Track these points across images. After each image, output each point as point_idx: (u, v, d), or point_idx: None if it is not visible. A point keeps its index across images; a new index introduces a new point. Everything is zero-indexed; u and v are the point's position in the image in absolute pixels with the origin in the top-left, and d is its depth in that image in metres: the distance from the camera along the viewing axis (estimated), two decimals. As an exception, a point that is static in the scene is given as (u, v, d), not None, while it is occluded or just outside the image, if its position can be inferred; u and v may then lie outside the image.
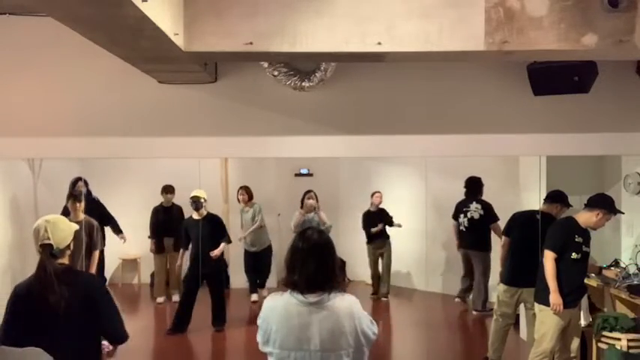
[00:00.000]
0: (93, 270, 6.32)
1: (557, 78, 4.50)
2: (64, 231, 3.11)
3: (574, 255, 4.86)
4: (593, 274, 5.73)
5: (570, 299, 4.91)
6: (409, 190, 9.44)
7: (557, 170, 6.22)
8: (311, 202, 7.89)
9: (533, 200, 5.99)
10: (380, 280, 8.96)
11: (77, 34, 3.35)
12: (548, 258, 4.89)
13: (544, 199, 5.80)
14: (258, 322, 2.74)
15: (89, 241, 6.27)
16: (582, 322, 5.10)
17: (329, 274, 2.69)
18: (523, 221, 5.86)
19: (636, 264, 5.66)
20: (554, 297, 4.84)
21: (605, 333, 5.05)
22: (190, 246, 7.48)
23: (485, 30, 3.55)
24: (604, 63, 4.49)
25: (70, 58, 4.61)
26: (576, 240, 4.88)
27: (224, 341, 7.24)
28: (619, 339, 4.93)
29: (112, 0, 2.71)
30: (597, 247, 5.79)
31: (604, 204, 4.92)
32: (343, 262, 9.68)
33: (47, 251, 3.01)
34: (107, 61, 4.05)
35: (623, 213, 5.32)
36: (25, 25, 4.50)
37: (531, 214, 5.83)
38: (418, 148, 4.96)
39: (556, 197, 5.73)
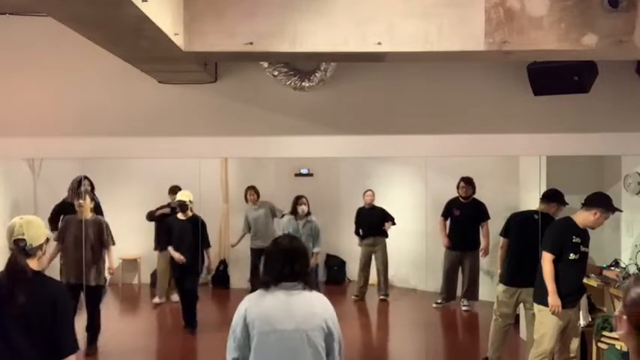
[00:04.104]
0: (113, 265, 6.44)
1: (557, 78, 4.50)
2: (39, 228, 3.13)
3: (572, 256, 4.84)
4: (593, 275, 5.73)
5: (569, 300, 4.89)
6: (409, 190, 9.42)
7: (557, 170, 6.21)
8: (303, 207, 7.78)
9: (533, 200, 5.98)
10: (367, 282, 8.91)
11: (77, 34, 3.35)
12: (546, 259, 4.87)
13: (541, 199, 5.80)
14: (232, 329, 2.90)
15: (99, 239, 6.33)
16: (582, 322, 5.07)
17: (297, 272, 2.90)
18: (521, 221, 5.84)
19: (636, 264, 5.65)
20: (553, 298, 4.83)
21: (605, 333, 5.04)
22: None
23: (485, 30, 3.55)
24: (604, 63, 4.49)
25: (70, 58, 4.61)
26: (574, 241, 4.85)
27: (222, 341, 7.23)
28: (619, 339, 4.92)
29: (112, 0, 2.71)
30: (597, 247, 5.79)
31: (601, 203, 4.89)
32: (343, 262, 9.67)
33: (20, 246, 3.03)
34: (107, 61, 4.05)
35: (622, 211, 5.31)
36: (25, 25, 4.50)
37: (529, 214, 5.83)
38: (418, 148, 4.96)
39: (553, 196, 5.73)
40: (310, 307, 2.86)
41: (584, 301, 5.10)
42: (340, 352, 2.92)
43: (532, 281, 5.14)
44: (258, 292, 2.91)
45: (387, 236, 8.85)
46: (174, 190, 8.41)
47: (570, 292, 4.90)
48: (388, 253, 8.91)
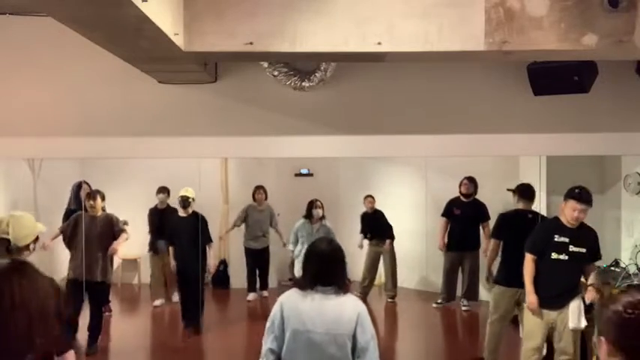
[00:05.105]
0: (116, 245, 6.40)
1: (557, 78, 4.50)
2: (26, 228, 2.95)
3: (554, 255, 4.78)
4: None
5: (554, 301, 4.82)
6: (409, 190, 9.42)
7: (557, 170, 6.21)
8: (318, 210, 7.74)
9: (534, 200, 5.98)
10: (372, 283, 8.90)
11: (77, 34, 3.35)
12: (526, 259, 4.90)
13: (524, 197, 5.80)
14: (269, 323, 3.07)
15: (110, 235, 6.39)
16: (570, 325, 4.83)
17: (333, 274, 3.07)
18: (513, 221, 5.81)
19: (636, 264, 5.65)
20: (528, 297, 4.88)
21: (605, 333, 5.03)
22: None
23: (485, 30, 3.55)
24: (604, 63, 4.49)
25: (70, 58, 4.61)
26: (556, 240, 4.79)
27: (223, 341, 7.24)
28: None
29: (112, 0, 2.71)
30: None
31: (565, 194, 4.84)
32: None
33: (3, 246, 2.85)
34: (107, 61, 4.05)
35: (580, 197, 4.76)
36: (25, 25, 4.50)
37: (520, 212, 5.80)
38: (418, 148, 4.96)
39: (534, 194, 5.78)
40: (341, 311, 3.01)
41: (575, 303, 4.89)
42: (375, 351, 3.02)
43: None
44: (295, 290, 3.11)
45: (393, 238, 8.82)
46: (159, 190, 8.43)
47: (556, 293, 4.82)
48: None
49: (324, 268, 3.06)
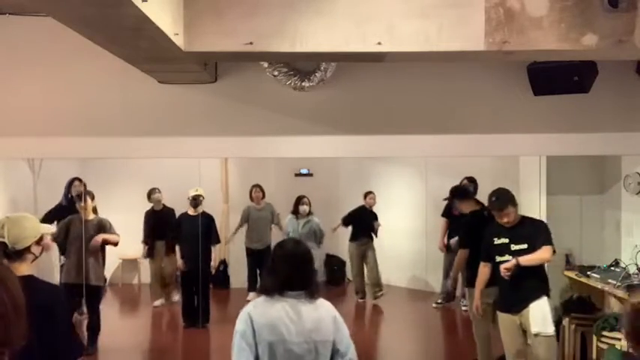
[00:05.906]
0: (104, 237, 6.25)
1: (557, 78, 4.50)
2: (25, 230, 2.73)
3: (498, 258, 4.65)
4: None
5: (510, 304, 4.67)
6: (409, 190, 9.43)
7: (557, 170, 6.21)
8: (305, 207, 7.85)
9: (534, 200, 5.97)
10: (364, 285, 8.90)
11: (77, 34, 3.35)
12: (480, 267, 4.91)
13: (464, 198, 5.88)
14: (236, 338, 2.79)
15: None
16: (533, 330, 4.54)
17: (303, 279, 2.83)
18: (471, 224, 5.73)
19: (636, 264, 5.65)
20: (474, 303, 5.02)
21: (605, 333, 5.04)
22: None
23: (485, 30, 3.55)
24: (604, 63, 4.49)
25: (70, 58, 4.60)
26: (496, 243, 4.68)
27: (223, 341, 7.23)
28: (619, 339, 4.92)
29: (112, 0, 2.71)
30: (597, 248, 5.78)
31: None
32: (342, 263, 9.66)
33: (0, 250, 2.66)
34: (107, 61, 4.05)
35: (493, 207, 4.71)
36: (25, 25, 4.50)
37: (474, 214, 5.76)
38: (418, 148, 4.97)
39: (469, 192, 5.96)
40: (319, 317, 2.80)
41: (536, 306, 4.58)
42: (354, 353, 2.88)
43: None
44: (262, 299, 2.84)
45: (375, 236, 8.84)
46: (154, 191, 8.42)
47: (505, 296, 4.71)
48: (387, 253, 8.93)
49: (293, 272, 2.81)
